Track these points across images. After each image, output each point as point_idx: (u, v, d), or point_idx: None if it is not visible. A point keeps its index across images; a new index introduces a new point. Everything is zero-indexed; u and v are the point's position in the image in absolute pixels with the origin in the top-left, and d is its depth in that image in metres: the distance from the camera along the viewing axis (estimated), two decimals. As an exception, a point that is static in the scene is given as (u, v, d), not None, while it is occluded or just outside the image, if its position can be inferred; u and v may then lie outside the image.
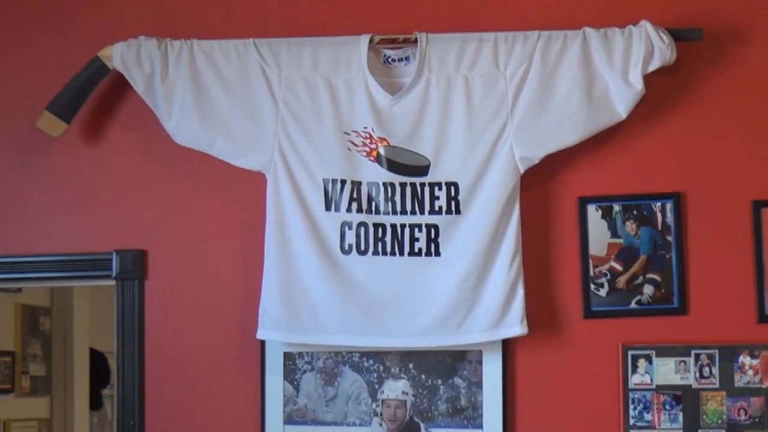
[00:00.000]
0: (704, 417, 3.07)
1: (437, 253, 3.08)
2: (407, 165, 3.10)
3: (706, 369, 3.08)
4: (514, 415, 3.13)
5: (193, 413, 3.25)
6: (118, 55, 3.16)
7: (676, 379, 3.09)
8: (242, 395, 3.21)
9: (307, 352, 3.18)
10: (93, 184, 3.34)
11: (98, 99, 3.29)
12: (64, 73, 3.23)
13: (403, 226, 3.09)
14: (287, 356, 3.19)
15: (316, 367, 3.19)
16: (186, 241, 3.30)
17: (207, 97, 3.14)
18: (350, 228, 3.09)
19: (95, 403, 5.96)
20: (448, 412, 3.14)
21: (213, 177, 3.27)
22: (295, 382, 3.18)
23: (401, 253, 3.09)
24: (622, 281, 3.13)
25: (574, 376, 3.14)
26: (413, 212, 3.09)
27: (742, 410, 3.07)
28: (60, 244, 3.34)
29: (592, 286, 3.13)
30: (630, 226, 3.14)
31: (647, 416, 3.08)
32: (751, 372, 3.07)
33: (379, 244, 3.09)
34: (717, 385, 3.08)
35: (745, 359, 3.08)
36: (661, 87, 3.13)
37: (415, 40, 3.13)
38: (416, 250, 3.08)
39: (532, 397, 3.14)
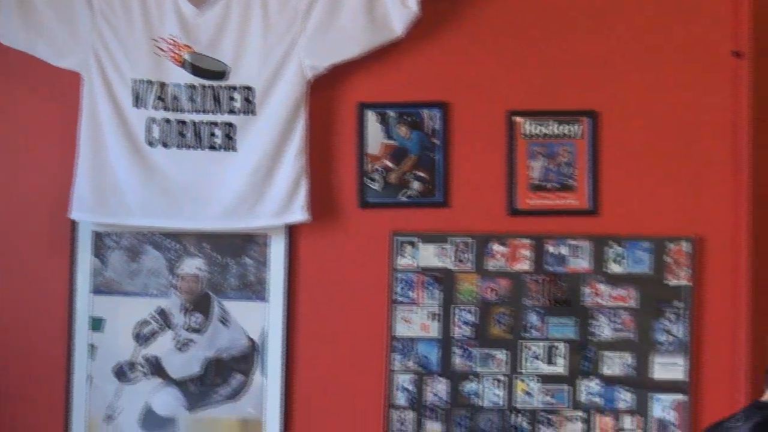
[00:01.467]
0: (459, 295, 3.46)
1: (233, 149, 3.41)
2: (208, 70, 3.43)
3: (463, 254, 3.47)
4: (295, 290, 3.49)
5: (10, 284, 3.53)
6: (-55, -39, 3.39)
7: (436, 263, 3.47)
8: (56, 269, 3.51)
9: (115, 232, 3.50)
10: None
11: (-72, 1, 3.49)
12: None
13: (202, 123, 3.42)
14: (96, 235, 3.50)
15: (122, 245, 3.51)
16: (6, 131, 3.55)
17: (29, 3, 3.41)
18: (156, 123, 3.41)
19: None
20: (238, 286, 3.49)
21: (35, 75, 3.51)
22: (103, 258, 3.50)
23: (201, 147, 3.41)
24: (393, 177, 3.50)
25: (349, 258, 3.50)
26: (213, 112, 3.42)
27: (492, 290, 3.46)
28: None
29: (368, 181, 3.50)
30: (402, 130, 3.50)
31: (411, 294, 3.47)
32: (501, 258, 3.47)
33: (181, 138, 3.41)
34: (472, 269, 3.48)
35: (496, 247, 3.47)
36: (434, 10, 3.46)
37: (220, -40, 3.45)
38: (214, 145, 3.42)
39: (311, 276, 3.49)
